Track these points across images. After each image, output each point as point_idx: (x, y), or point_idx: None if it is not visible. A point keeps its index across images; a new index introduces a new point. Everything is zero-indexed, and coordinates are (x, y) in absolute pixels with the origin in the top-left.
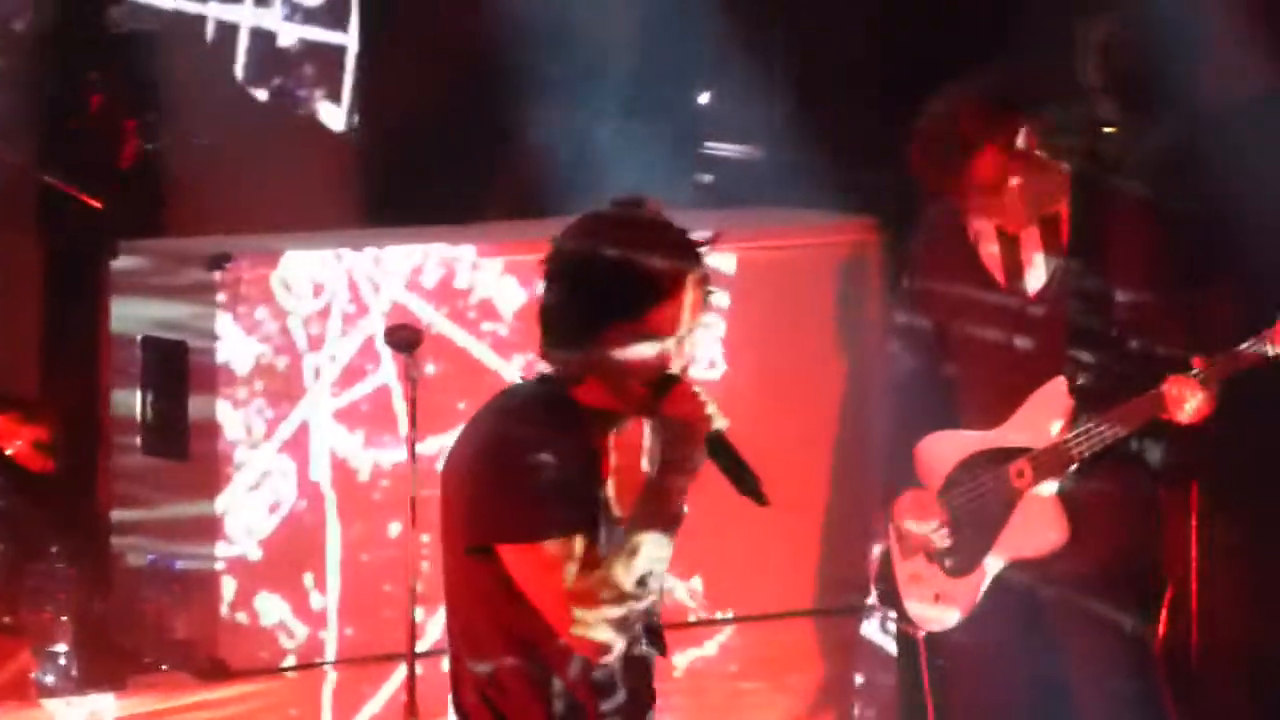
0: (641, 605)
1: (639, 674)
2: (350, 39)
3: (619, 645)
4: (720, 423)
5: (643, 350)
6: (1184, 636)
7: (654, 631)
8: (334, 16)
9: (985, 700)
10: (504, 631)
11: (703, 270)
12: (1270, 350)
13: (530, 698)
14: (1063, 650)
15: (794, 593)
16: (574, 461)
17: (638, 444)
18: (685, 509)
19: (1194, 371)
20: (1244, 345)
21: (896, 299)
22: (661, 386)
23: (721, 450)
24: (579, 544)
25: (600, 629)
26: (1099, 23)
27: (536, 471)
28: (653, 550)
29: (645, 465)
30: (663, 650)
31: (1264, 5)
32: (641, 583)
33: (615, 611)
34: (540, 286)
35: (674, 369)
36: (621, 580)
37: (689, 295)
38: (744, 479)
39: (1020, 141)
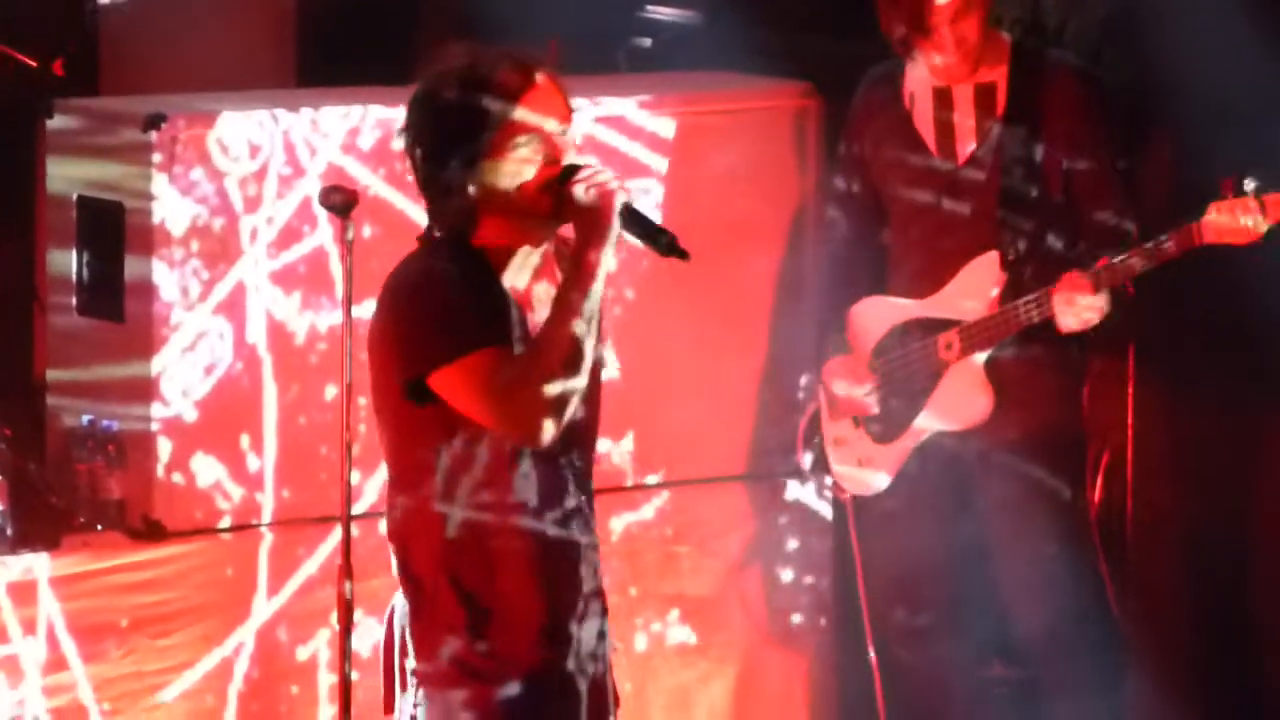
0: (571, 385)
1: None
2: None
3: (550, 427)
4: (625, 195)
5: (525, 152)
6: (1119, 503)
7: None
8: None
9: (905, 564)
10: (450, 478)
11: (547, 66)
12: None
13: (479, 552)
14: (985, 517)
15: (728, 458)
16: (487, 290)
17: (548, 265)
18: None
19: (1093, 269)
20: (1148, 245)
21: (834, 164)
22: (564, 178)
23: (633, 219)
24: (504, 352)
25: (532, 410)
26: None
27: (453, 296)
28: (578, 328)
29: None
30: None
31: None
32: (569, 364)
33: (548, 391)
34: (412, 153)
35: (565, 160)
36: (550, 358)
37: (547, 87)
38: (660, 240)
39: None
